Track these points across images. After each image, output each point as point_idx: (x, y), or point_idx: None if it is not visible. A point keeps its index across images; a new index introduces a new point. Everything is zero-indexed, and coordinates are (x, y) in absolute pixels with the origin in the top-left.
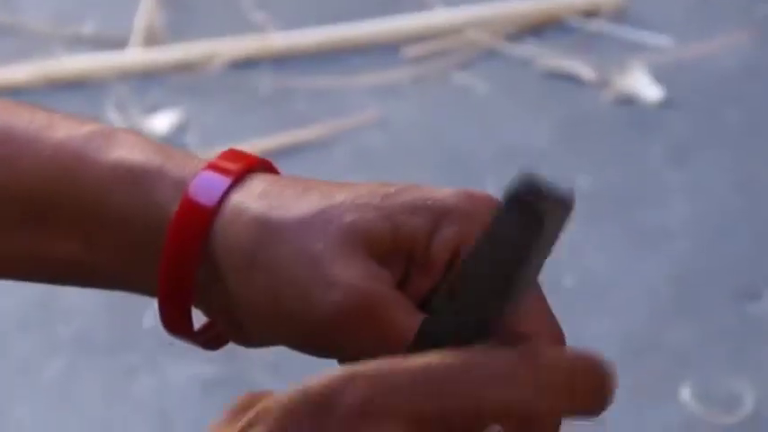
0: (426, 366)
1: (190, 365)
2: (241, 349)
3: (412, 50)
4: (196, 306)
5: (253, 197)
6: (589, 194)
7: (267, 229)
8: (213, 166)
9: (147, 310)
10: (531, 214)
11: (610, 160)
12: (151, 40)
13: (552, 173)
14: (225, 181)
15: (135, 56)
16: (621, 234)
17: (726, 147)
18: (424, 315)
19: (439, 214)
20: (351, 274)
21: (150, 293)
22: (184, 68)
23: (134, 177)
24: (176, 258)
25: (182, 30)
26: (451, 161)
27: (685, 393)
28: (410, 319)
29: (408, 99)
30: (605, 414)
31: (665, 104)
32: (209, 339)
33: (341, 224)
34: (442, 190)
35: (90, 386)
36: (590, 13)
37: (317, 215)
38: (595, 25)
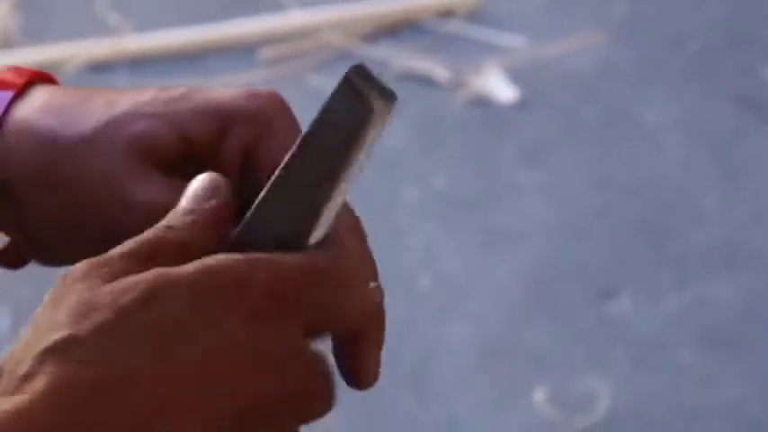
0: (310, 264)
1: None
2: None
3: (268, 52)
4: None
5: (37, 111)
6: (444, 195)
7: (54, 148)
8: None
9: (1, 311)
10: (362, 98)
11: (464, 161)
12: (5, 42)
13: (407, 174)
14: (7, 94)
15: None
16: (477, 235)
17: (581, 146)
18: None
19: (225, 118)
20: (148, 193)
21: None
22: None
23: None
24: None
25: (36, 32)
26: None
27: (539, 396)
28: None
29: None
30: (460, 417)
31: (520, 105)
32: (10, 260)
33: (128, 138)
34: (226, 91)
35: None
36: (445, 14)
37: (102, 129)
38: (451, 26)
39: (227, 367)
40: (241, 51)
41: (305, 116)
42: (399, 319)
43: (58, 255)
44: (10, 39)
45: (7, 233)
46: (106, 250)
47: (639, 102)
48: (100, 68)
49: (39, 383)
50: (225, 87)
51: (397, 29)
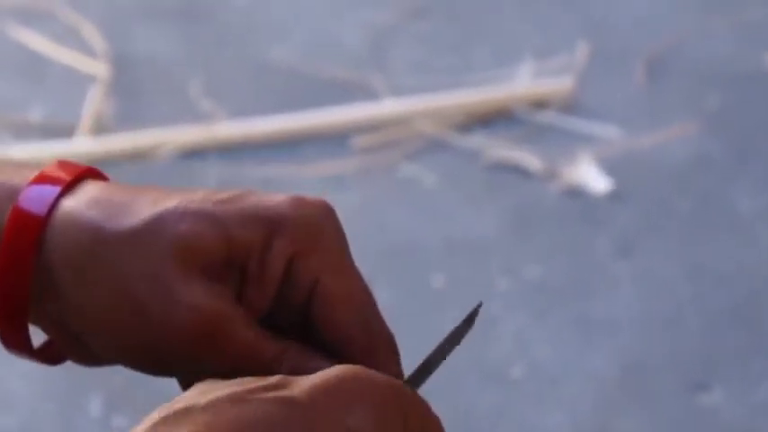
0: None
1: None
2: None
3: (361, 141)
4: (33, 322)
5: (84, 205)
6: (537, 286)
7: (99, 241)
8: (44, 176)
9: (94, 398)
10: (473, 318)
11: (558, 252)
12: (99, 128)
13: (499, 263)
14: (55, 189)
15: (83, 144)
16: (569, 325)
17: (674, 238)
18: (262, 328)
19: (272, 225)
20: (192, 294)
21: None
22: (133, 157)
23: None
24: (8, 270)
25: (130, 118)
26: (398, 252)
27: None
28: (249, 334)
29: (356, 189)
30: None
31: (614, 196)
32: (49, 356)
33: (172, 237)
34: (275, 197)
35: None
36: (538, 105)
37: (148, 225)
38: (544, 116)
39: None
40: (334, 139)
41: (396, 204)
42: (492, 407)
43: (97, 353)
44: (103, 124)
45: (47, 330)
46: (145, 353)
47: (733, 191)
48: (192, 155)
49: None
50: (317, 176)
51: (490, 119)
